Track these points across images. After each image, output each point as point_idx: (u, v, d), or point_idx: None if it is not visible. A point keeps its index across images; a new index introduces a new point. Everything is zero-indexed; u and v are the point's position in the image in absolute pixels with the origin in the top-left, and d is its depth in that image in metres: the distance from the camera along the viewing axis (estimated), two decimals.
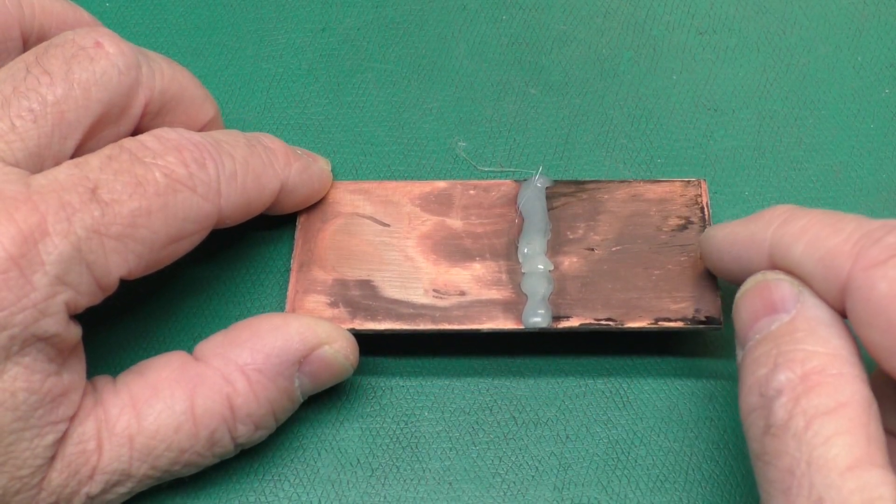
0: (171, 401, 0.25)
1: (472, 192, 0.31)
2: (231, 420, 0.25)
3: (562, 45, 0.37)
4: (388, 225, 0.30)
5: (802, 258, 0.23)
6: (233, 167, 0.26)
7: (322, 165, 0.31)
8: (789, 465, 0.20)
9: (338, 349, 0.27)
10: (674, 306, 0.28)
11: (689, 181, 0.31)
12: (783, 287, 0.23)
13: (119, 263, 0.24)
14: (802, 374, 0.21)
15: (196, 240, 0.26)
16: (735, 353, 0.24)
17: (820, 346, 0.22)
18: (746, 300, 0.24)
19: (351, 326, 0.28)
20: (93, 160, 0.24)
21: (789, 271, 0.24)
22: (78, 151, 0.25)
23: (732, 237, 0.26)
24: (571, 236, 0.30)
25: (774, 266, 0.24)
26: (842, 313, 0.23)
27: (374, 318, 0.28)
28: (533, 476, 0.28)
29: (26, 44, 0.28)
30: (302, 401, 0.27)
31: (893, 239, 0.22)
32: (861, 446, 0.20)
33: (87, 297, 0.24)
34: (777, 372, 0.22)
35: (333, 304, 0.29)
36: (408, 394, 0.29)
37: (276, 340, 0.26)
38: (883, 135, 0.34)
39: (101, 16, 0.31)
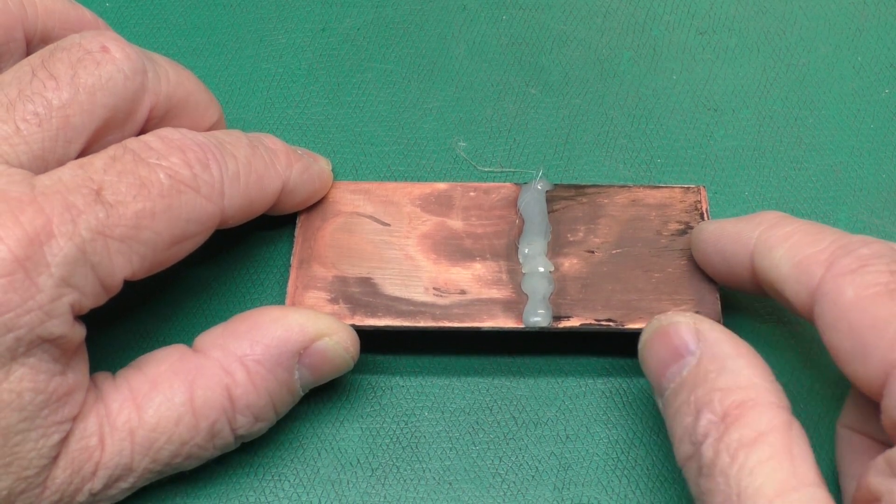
0: (171, 393, 0.25)
1: (472, 193, 0.31)
2: (231, 411, 0.25)
3: (562, 45, 0.37)
4: (389, 224, 0.31)
5: (781, 261, 0.24)
6: (236, 168, 0.27)
7: (323, 166, 0.31)
8: (722, 502, 0.21)
9: (338, 341, 0.27)
10: (674, 308, 0.28)
11: (688, 188, 0.31)
12: (681, 330, 0.24)
13: (123, 265, 0.24)
14: (722, 412, 0.22)
15: (199, 240, 0.26)
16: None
17: (732, 382, 0.23)
18: (651, 350, 0.25)
19: (351, 322, 0.28)
20: (97, 161, 0.24)
21: (766, 272, 0.25)
22: (82, 155, 0.25)
23: (720, 232, 0.27)
24: (571, 238, 0.30)
25: (753, 265, 0.25)
26: (809, 318, 0.24)
27: (373, 315, 0.28)
28: (533, 476, 0.28)
29: (30, 44, 0.28)
30: (302, 394, 0.27)
31: (866, 251, 0.23)
32: (786, 469, 0.21)
33: (91, 299, 0.24)
34: (700, 417, 0.22)
35: (333, 301, 0.29)
36: (408, 393, 0.29)
37: (275, 331, 0.26)
38: (883, 135, 0.34)
39: (101, 16, 0.31)
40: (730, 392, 0.22)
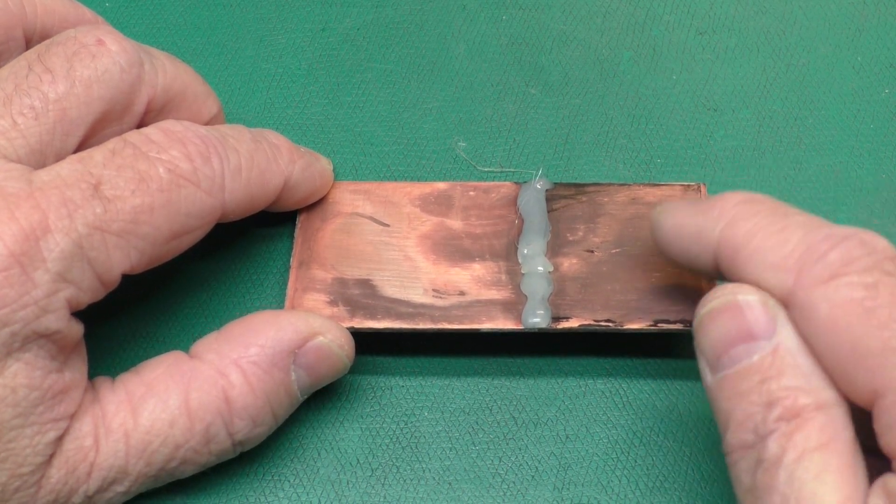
0: (166, 396, 0.25)
1: (471, 193, 0.31)
2: (227, 414, 0.25)
3: (562, 45, 0.37)
4: (388, 225, 0.31)
5: (746, 265, 0.23)
6: (237, 162, 0.27)
7: (324, 164, 0.31)
8: (780, 501, 0.21)
9: (332, 339, 0.27)
10: (673, 308, 0.28)
11: (688, 185, 0.31)
12: (757, 311, 0.23)
13: (121, 259, 0.24)
14: (796, 410, 0.21)
15: (200, 234, 0.26)
16: (699, 368, 0.24)
17: (809, 382, 0.22)
18: (716, 319, 0.23)
19: (350, 325, 0.28)
20: (96, 155, 0.24)
21: (733, 274, 0.24)
22: (81, 148, 0.25)
23: (680, 230, 0.25)
24: (571, 238, 0.30)
25: (718, 265, 0.24)
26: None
27: (373, 317, 0.28)
28: (533, 476, 0.28)
29: (29, 43, 0.28)
30: (301, 399, 0.27)
31: (835, 256, 0.22)
32: (849, 484, 0.20)
33: (89, 294, 0.24)
34: (770, 411, 0.21)
35: (333, 303, 0.29)
36: (408, 394, 0.29)
37: (268, 332, 0.26)
38: (883, 135, 0.34)
39: (101, 16, 0.31)
40: (805, 392, 0.21)
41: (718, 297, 0.23)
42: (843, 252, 0.22)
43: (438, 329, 0.28)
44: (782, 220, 0.23)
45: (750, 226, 0.23)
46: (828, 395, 0.22)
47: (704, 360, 0.24)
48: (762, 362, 0.22)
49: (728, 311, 0.23)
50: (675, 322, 0.28)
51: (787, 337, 0.22)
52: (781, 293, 0.22)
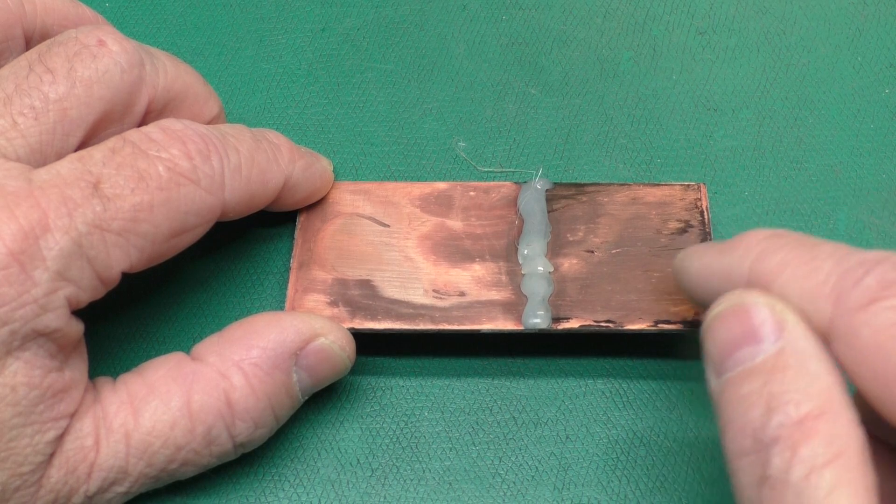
0: (167, 397, 0.25)
1: (471, 193, 0.31)
2: (229, 416, 0.25)
3: (562, 45, 0.37)
4: (388, 225, 0.31)
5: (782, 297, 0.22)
6: (238, 161, 0.26)
7: (325, 165, 0.31)
8: None
9: (333, 340, 0.27)
10: (673, 309, 0.28)
11: (688, 185, 0.31)
12: (763, 313, 0.22)
13: (121, 258, 0.24)
14: (798, 419, 0.20)
15: (200, 232, 0.26)
16: (706, 374, 0.23)
17: (813, 387, 0.21)
18: (722, 323, 0.23)
19: (350, 326, 0.28)
20: (96, 153, 0.24)
21: None
22: (81, 149, 0.25)
23: (708, 271, 0.25)
24: (571, 238, 0.30)
25: None
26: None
27: (373, 318, 0.28)
28: (533, 476, 0.28)
29: (29, 42, 0.28)
30: (302, 400, 0.27)
31: (872, 280, 0.21)
32: (862, 499, 0.20)
33: (88, 292, 0.24)
34: (771, 416, 0.21)
35: (333, 304, 0.29)
36: (408, 394, 0.29)
37: (270, 334, 0.26)
38: (883, 135, 0.34)
39: (101, 16, 0.31)
40: (810, 396, 0.21)
41: (726, 301, 0.23)
42: (878, 276, 0.21)
43: (439, 330, 0.28)
44: (811, 251, 0.23)
45: (779, 258, 0.23)
46: (841, 403, 0.21)
47: (711, 365, 0.23)
48: (765, 364, 0.21)
49: (734, 314, 0.22)
50: (675, 322, 0.28)
51: (797, 338, 0.22)
52: (820, 322, 0.22)
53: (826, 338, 0.22)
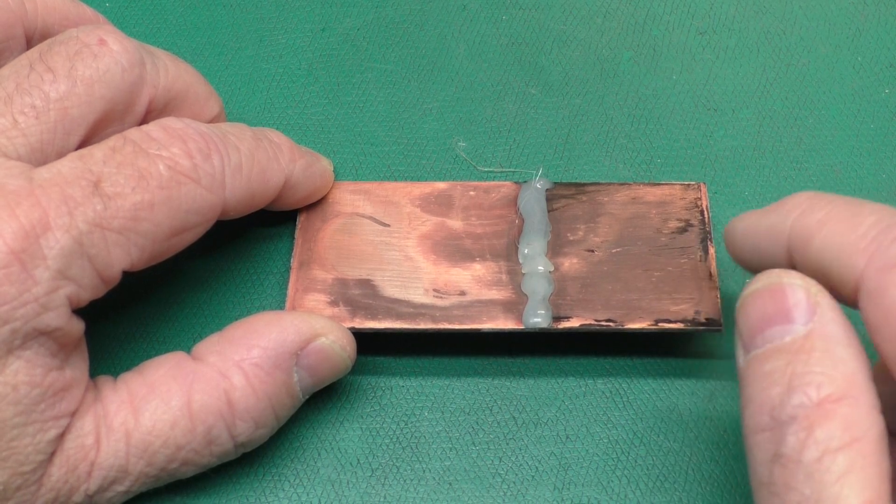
0: (168, 397, 0.25)
1: (471, 193, 0.31)
2: (230, 416, 0.25)
3: (562, 45, 0.37)
4: (388, 225, 0.31)
5: (819, 253, 0.22)
6: (238, 159, 0.27)
7: (325, 164, 0.31)
8: (798, 501, 0.20)
9: (334, 340, 0.27)
10: (674, 308, 0.28)
11: (688, 184, 0.31)
12: (798, 294, 0.22)
13: (121, 256, 0.24)
14: (818, 400, 0.20)
15: (200, 231, 0.26)
16: (735, 350, 0.23)
17: (837, 371, 0.21)
18: (757, 301, 0.23)
19: (351, 325, 0.28)
20: (97, 152, 0.24)
21: (807, 265, 0.23)
22: (82, 147, 0.25)
23: (753, 228, 0.25)
24: (571, 238, 0.30)
25: (792, 259, 0.24)
26: (856, 307, 0.22)
27: (373, 317, 0.28)
28: (533, 476, 0.28)
29: (30, 41, 0.28)
30: (303, 399, 0.27)
31: None
32: (873, 487, 0.19)
33: (89, 291, 0.24)
34: (791, 395, 0.20)
35: (333, 303, 0.29)
36: (408, 394, 0.29)
37: (271, 334, 0.26)
38: (883, 135, 0.34)
39: (102, 15, 0.31)
40: (831, 381, 0.20)
41: (763, 279, 0.23)
42: None
43: (439, 329, 0.28)
44: (854, 208, 0.23)
45: (822, 214, 0.23)
46: (864, 389, 0.20)
47: (740, 342, 0.23)
48: (793, 345, 0.21)
49: (770, 292, 0.22)
50: (675, 322, 0.28)
51: (827, 322, 0.21)
52: (852, 277, 0.22)
53: (854, 294, 0.22)
